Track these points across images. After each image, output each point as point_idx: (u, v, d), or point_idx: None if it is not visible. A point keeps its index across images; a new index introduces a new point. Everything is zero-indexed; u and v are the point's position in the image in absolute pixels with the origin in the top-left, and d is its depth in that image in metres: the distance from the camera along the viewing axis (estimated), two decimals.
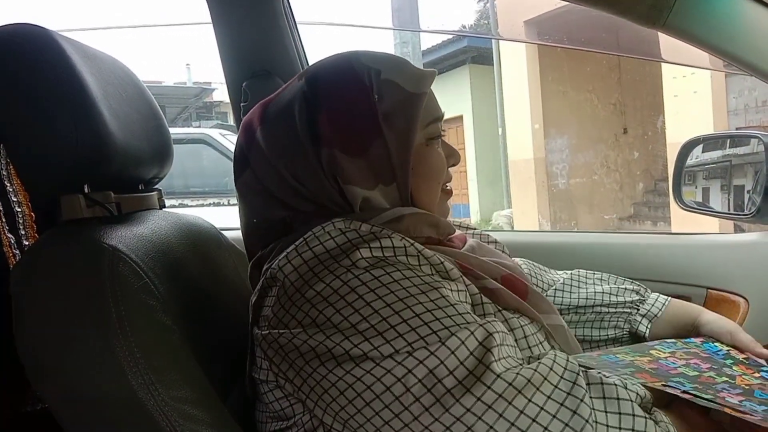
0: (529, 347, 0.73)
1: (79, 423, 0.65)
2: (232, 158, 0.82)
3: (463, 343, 0.60)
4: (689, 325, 0.96)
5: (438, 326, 0.61)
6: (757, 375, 0.80)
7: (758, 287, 1.22)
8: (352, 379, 0.61)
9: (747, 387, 0.75)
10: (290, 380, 0.67)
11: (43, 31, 0.73)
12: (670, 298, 1.02)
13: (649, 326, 0.98)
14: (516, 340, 0.72)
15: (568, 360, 0.65)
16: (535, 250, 1.39)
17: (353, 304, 0.63)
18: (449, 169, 0.85)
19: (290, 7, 1.39)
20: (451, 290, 0.68)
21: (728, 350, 0.87)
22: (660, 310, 0.99)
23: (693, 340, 0.91)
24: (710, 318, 0.95)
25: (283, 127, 0.76)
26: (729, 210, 1.36)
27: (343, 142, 0.74)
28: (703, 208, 1.39)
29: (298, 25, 1.41)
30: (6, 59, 0.71)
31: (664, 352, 0.84)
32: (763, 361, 0.84)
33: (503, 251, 0.97)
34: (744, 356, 0.85)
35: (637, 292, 1.03)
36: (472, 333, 0.61)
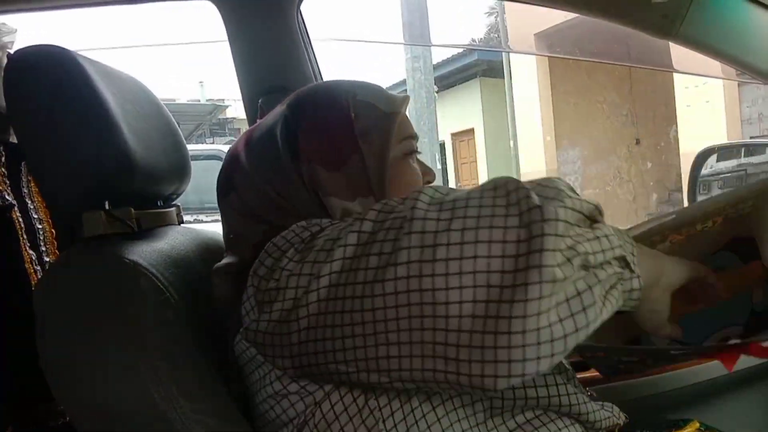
0: None
1: None
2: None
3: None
4: None
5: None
6: None
7: None
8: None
9: None
10: (292, 357, 0.63)
11: (64, 51, 0.75)
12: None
13: None
14: None
15: None
16: None
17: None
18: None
19: (304, 23, 1.41)
20: None
21: None
22: None
23: None
24: None
25: (266, 147, 0.79)
26: None
27: (321, 157, 0.76)
28: None
29: (312, 42, 1.43)
30: (28, 79, 0.72)
31: None
32: None
33: None
34: None
35: None
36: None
